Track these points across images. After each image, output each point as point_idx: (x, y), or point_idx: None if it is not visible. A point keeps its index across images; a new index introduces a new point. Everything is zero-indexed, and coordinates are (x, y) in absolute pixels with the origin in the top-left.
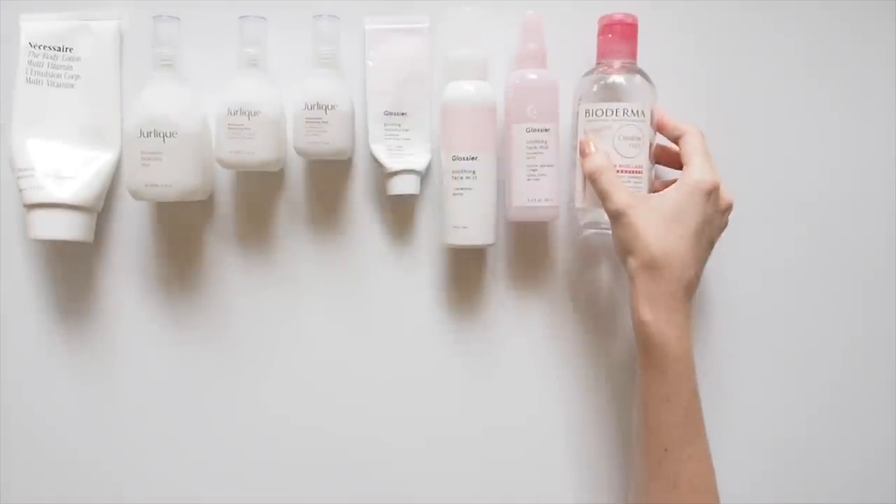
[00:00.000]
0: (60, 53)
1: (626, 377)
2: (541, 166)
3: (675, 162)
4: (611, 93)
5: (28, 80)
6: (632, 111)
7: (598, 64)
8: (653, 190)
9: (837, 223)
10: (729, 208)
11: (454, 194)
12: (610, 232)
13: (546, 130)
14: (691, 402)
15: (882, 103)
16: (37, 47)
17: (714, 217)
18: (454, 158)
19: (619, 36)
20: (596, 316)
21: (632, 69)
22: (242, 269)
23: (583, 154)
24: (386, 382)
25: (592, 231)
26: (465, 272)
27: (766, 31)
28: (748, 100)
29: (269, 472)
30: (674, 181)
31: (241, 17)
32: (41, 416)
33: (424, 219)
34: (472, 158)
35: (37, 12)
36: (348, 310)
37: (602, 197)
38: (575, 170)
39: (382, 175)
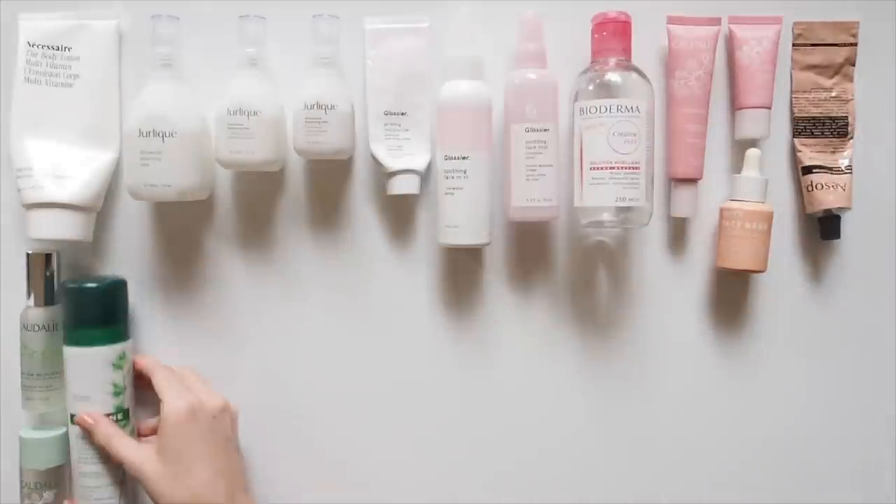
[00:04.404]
0: (59, 53)
1: (625, 376)
2: (540, 166)
3: None
4: (606, 90)
5: (27, 80)
6: (626, 107)
7: (592, 62)
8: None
9: None
10: (220, 410)
11: (446, 194)
12: (611, 229)
13: (545, 130)
14: None
15: None
16: (35, 46)
17: (212, 427)
18: (446, 158)
19: (612, 34)
20: (595, 315)
21: (627, 66)
22: (242, 269)
23: None
24: (385, 381)
25: (593, 230)
26: (464, 272)
27: None
28: None
29: (268, 472)
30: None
31: (241, 17)
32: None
33: (424, 219)
34: (463, 158)
35: (35, 12)
36: (348, 309)
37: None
38: (574, 169)
39: (382, 175)
